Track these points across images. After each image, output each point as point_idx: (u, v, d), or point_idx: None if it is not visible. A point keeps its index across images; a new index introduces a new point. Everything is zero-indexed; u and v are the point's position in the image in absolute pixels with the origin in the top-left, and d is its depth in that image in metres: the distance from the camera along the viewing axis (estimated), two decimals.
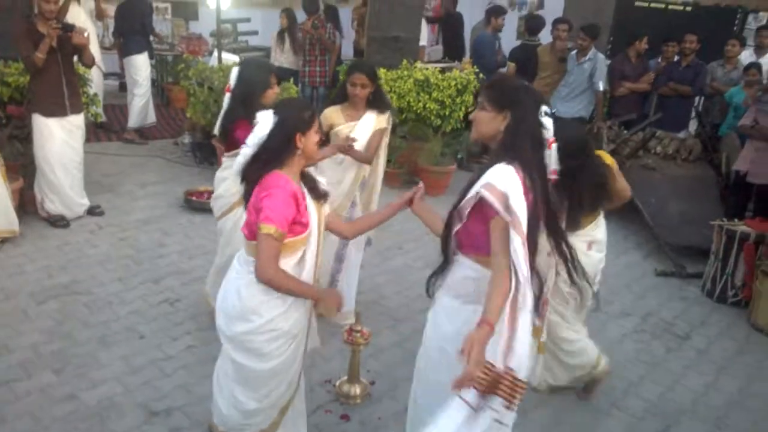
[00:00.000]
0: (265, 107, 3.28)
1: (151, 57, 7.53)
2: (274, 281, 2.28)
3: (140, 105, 7.39)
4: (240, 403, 2.50)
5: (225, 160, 3.52)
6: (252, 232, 2.32)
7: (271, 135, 2.27)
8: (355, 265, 3.90)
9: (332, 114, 3.68)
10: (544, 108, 2.12)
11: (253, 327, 2.36)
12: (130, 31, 7.23)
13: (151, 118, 7.64)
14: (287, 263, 2.33)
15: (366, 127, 3.64)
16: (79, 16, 6.70)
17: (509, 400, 1.96)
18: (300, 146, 2.31)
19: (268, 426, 2.56)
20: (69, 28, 4.61)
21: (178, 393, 3.24)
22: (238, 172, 2.39)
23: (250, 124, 3.19)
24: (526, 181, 2.03)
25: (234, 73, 3.40)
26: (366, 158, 3.63)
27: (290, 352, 2.45)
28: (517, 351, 1.97)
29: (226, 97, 3.42)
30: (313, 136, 2.35)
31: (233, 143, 3.33)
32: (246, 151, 2.33)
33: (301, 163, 2.38)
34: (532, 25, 7.38)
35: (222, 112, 3.47)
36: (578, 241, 2.90)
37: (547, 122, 2.12)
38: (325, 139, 3.46)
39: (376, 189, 3.94)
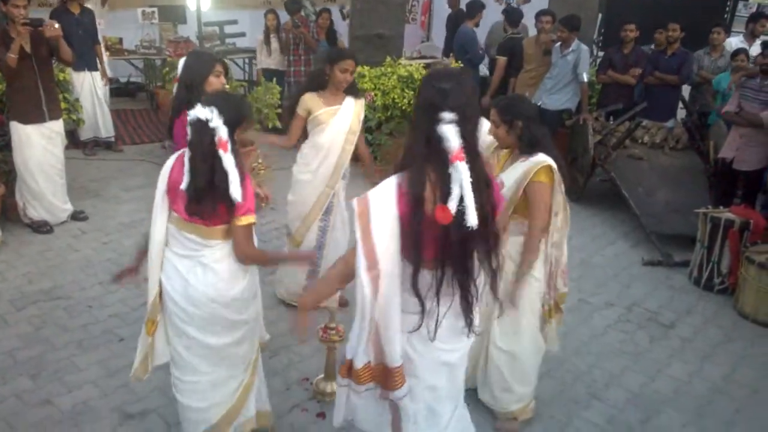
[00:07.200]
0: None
1: (92, 70, 6.65)
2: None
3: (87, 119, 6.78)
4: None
5: None
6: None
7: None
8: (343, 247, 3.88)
9: (310, 100, 3.72)
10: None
11: (241, 288, 2.51)
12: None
13: (105, 131, 7.01)
14: None
15: (349, 111, 3.75)
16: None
17: None
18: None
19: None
20: (38, 23, 4.50)
21: (154, 395, 3.22)
22: None
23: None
24: None
25: (181, 62, 3.32)
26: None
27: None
28: None
29: (174, 87, 3.35)
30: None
31: (177, 139, 3.19)
32: None
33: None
34: (512, 16, 7.26)
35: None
36: None
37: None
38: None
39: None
